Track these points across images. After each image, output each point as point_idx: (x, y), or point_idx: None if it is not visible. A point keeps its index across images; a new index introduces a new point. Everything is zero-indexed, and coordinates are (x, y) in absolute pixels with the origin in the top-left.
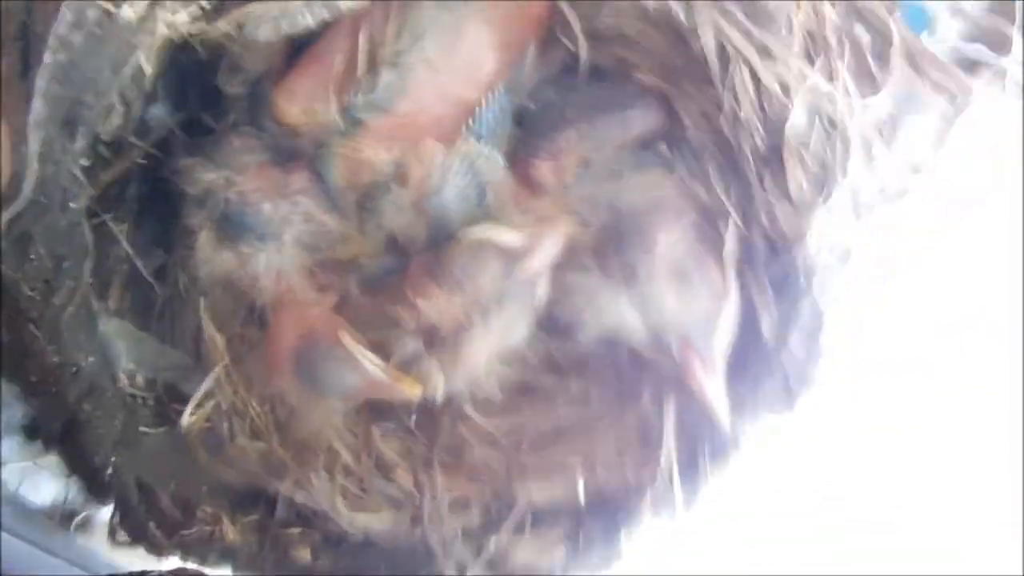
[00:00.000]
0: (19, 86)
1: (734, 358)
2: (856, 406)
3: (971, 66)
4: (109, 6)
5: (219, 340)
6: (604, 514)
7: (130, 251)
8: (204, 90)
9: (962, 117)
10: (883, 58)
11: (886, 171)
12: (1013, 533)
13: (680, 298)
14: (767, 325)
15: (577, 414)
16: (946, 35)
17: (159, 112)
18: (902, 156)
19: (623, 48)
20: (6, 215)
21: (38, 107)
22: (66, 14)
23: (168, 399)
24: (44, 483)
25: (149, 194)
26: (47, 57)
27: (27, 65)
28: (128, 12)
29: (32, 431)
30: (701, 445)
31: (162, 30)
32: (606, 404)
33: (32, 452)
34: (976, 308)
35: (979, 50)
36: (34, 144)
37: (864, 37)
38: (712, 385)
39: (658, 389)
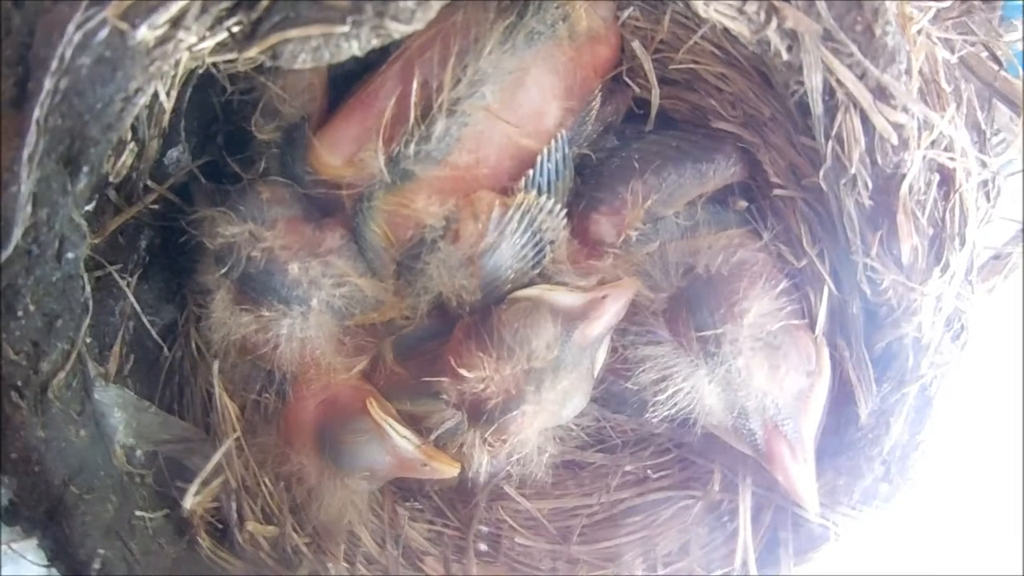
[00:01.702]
0: (12, 117)
1: (825, 444)
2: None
3: None
4: (123, 26)
5: (232, 408)
6: None
7: (137, 307)
8: (231, 133)
9: None
10: (986, 109)
11: (988, 236)
12: None
13: (770, 376)
14: (865, 409)
15: (633, 497)
16: None
17: (178, 154)
18: (1009, 219)
19: (699, 93)
20: None
21: (33, 141)
22: (72, 34)
23: (170, 476)
24: (26, 569)
25: (162, 244)
26: (47, 83)
27: (25, 93)
28: (145, 33)
29: (11, 515)
30: (784, 538)
31: (183, 57)
32: (667, 487)
33: (10, 535)
34: None
35: None
36: (27, 184)
37: (969, 86)
38: (801, 474)
39: (731, 471)
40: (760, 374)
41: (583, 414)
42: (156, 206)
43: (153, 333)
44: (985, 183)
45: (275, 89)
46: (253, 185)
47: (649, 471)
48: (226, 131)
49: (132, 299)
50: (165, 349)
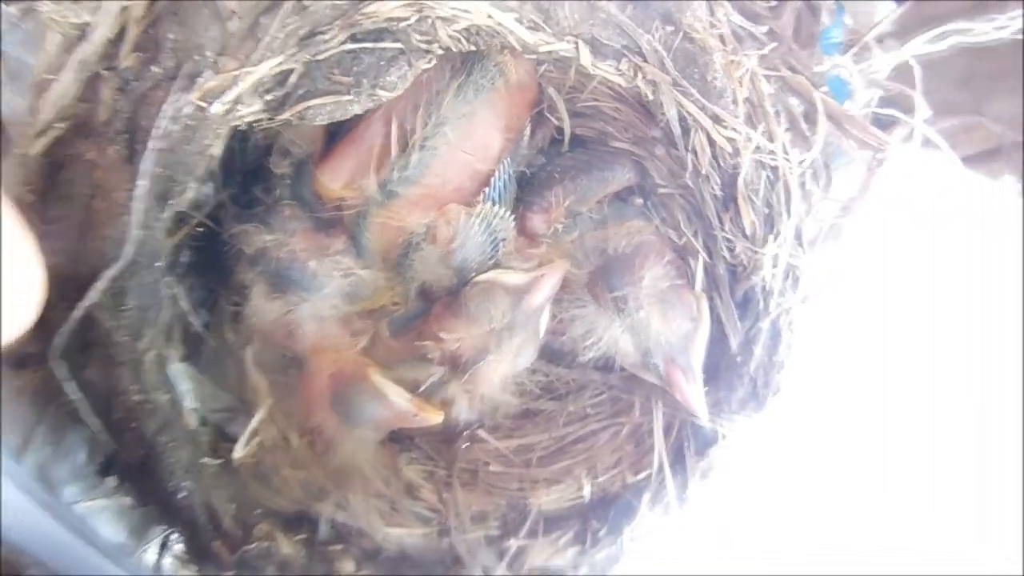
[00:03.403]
0: (123, 169)
1: (709, 369)
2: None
3: (888, 125)
4: (204, 104)
5: (263, 383)
6: (607, 515)
7: (186, 308)
8: (247, 171)
9: (883, 167)
10: (812, 122)
11: (823, 212)
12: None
13: (663, 322)
14: (734, 341)
15: (577, 430)
16: (864, 102)
17: (208, 190)
18: (836, 199)
19: (601, 122)
20: (111, 271)
21: (142, 185)
22: (167, 111)
23: (218, 438)
24: (104, 524)
25: (195, 261)
26: (151, 144)
27: (132, 152)
28: (217, 107)
29: (106, 468)
30: (687, 444)
31: (236, 121)
32: (602, 419)
33: (101, 491)
34: (904, 316)
35: (892, 112)
36: (137, 214)
37: (797, 107)
38: (693, 392)
39: (646, 401)
40: (657, 321)
41: (535, 371)
42: (200, 229)
43: (199, 328)
44: (815, 173)
45: (288, 136)
46: (276, 206)
47: (588, 409)
48: (243, 170)
49: (183, 303)
50: (209, 340)
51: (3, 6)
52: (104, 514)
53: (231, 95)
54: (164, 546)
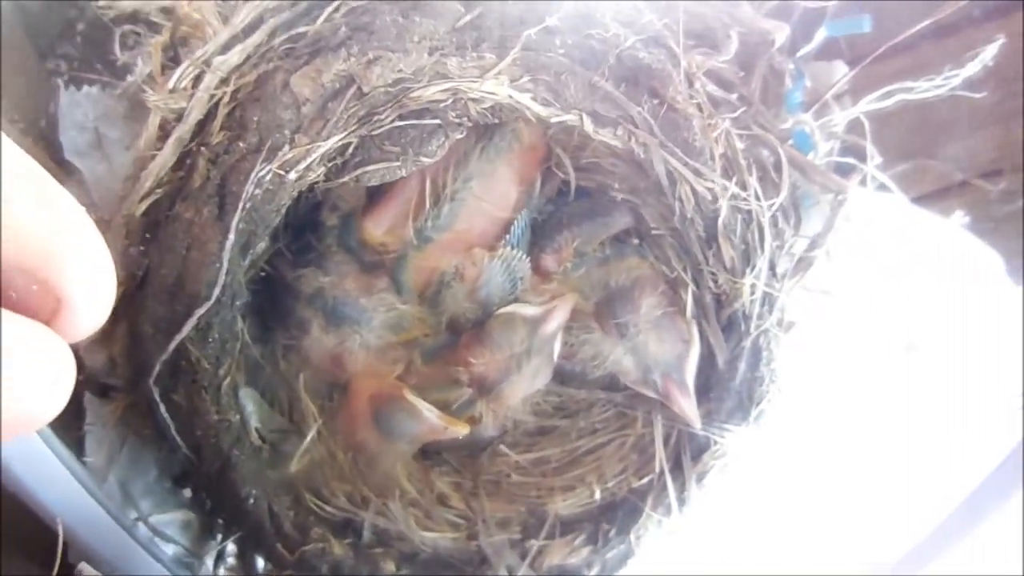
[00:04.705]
0: (215, 225)
1: (701, 384)
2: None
3: (847, 171)
4: (282, 172)
5: (312, 406)
6: (616, 517)
7: (248, 340)
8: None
9: (844, 207)
10: (780, 171)
11: (794, 247)
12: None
13: (660, 344)
14: (721, 359)
15: (588, 443)
16: (825, 152)
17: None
18: (805, 236)
19: (601, 175)
20: (202, 309)
21: (232, 239)
22: (252, 178)
23: (276, 455)
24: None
25: (249, 304)
26: (239, 205)
27: (222, 211)
28: (292, 175)
29: (182, 480)
30: (684, 451)
31: (304, 185)
32: (609, 432)
33: (171, 505)
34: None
35: (849, 161)
36: (225, 263)
37: (768, 158)
38: (688, 404)
39: (647, 414)
40: (654, 343)
41: (549, 392)
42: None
43: (259, 358)
44: (785, 214)
45: (338, 193)
46: (327, 252)
47: (596, 424)
48: (294, 224)
49: (247, 337)
50: (266, 369)
51: (89, 88)
52: (171, 527)
53: (304, 164)
54: (220, 557)
